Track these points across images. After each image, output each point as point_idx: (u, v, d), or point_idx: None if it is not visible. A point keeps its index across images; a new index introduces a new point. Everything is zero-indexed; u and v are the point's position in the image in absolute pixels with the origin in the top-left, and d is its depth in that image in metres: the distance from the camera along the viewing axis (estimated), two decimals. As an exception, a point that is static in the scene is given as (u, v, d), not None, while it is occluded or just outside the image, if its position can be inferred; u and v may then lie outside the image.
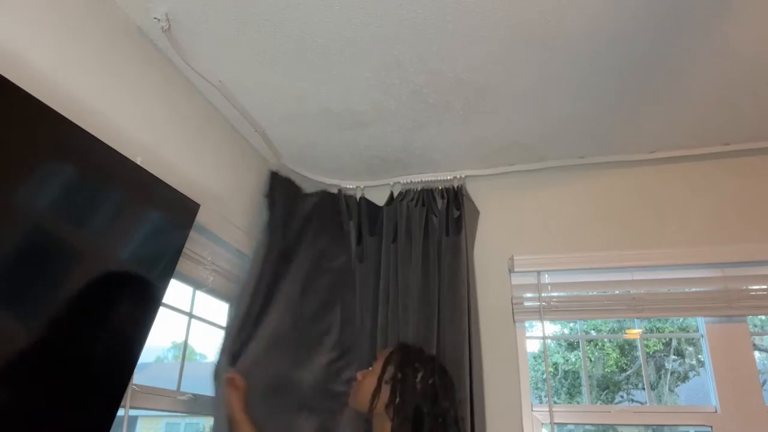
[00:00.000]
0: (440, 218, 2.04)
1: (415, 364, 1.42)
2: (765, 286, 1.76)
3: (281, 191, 1.94)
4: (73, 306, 1.05)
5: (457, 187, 2.09)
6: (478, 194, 2.15)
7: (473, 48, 1.47)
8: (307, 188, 2.26)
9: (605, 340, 2.55)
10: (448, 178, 2.14)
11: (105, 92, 1.29)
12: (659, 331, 2.34)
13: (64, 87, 1.17)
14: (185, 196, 1.33)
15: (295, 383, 1.69)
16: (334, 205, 2.13)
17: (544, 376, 1.91)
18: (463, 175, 2.15)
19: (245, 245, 1.79)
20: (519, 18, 1.35)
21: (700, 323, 1.85)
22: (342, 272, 2.01)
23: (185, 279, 1.59)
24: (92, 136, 1.06)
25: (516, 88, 1.64)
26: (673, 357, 2.53)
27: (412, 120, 1.83)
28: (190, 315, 1.67)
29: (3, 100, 0.89)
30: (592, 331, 2.37)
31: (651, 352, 2.53)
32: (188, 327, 1.66)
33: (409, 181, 2.17)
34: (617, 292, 1.91)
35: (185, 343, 1.64)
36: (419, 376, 1.40)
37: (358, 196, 2.19)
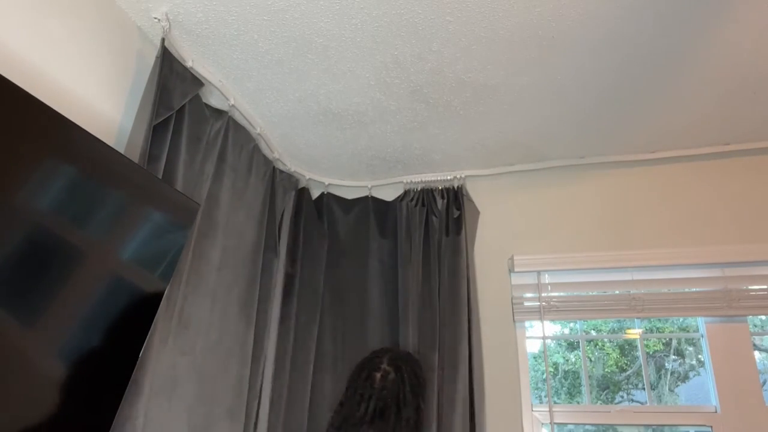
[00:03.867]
0: (440, 218, 2.04)
1: None
2: (765, 286, 1.76)
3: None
4: (73, 306, 1.05)
5: (457, 187, 2.10)
6: (478, 194, 2.15)
7: (473, 48, 1.47)
8: (312, 189, 2.27)
9: (605, 340, 2.55)
10: (448, 178, 2.15)
11: (105, 92, 1.29)
12: (659, 331, 2.34)
13: (64, 86, 1.17)
14: (186, 196, 1.33)
15: None
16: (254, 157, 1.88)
17: (544, 376, 1.91)
18: (463, 175, 2.15)
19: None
20: (519, 18, 1.35)
21: (700, 323, 1.85)
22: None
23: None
24: (93, 136, 1.06)
25: (516, 88, 1.64)
26: (673, 357, 2.53)
27: (412, 120, 1.83)
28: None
29: (1, 99, 0.89)
30: (592, 331, 2.37)
31: (651, 352, 2.53)
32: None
33: (409, 181, 2.17)
34: (617, 292, 1.91)
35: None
36: None
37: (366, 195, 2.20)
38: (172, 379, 1.43)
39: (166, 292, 1.33)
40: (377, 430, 1.39)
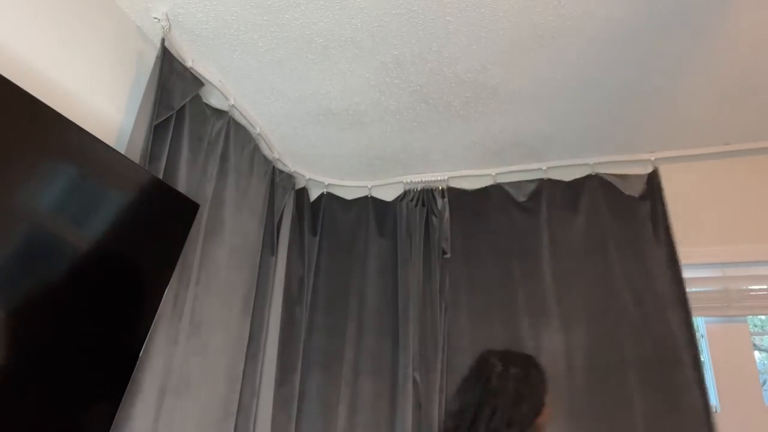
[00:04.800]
0: (440, 218, 2.04)
1: None
2: (765, 286, 1.76)
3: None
4: (73, 306, 1.05)
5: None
6: (478, 194, 2.14)
7: (473, 48, 1.47)
8: (311, 188, 2.27)
9: (605, 340, 2.55)
10: (448, 178, 2.15)
11: (105, 92, 1.29)
12: (659, 331, 2.34)
13: (64, 87, 1.17)
14: (185, 196, 1.34)
15: None
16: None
17: (544, 376, 1.91)
18: (463, 175, 2.15)
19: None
20: (519, 18, 1.35)
21: (700, 323, 1.85)
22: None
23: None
24: (92, 135, 1.06)
25: (516, 88, 1.64)
26: (673, 357, 2.53)
27: (412, 120, 1.83)
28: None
29: (2, 99, 0.89)
30: (592, 331, 2.37)
31: (651, 352, 2.53)
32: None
33: (409, 181, 2.17)
34: (617, 292, 1.91)
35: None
36: None
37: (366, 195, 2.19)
38: (185, 379, 1.43)
39: (166, 292, 1.33)
40: None
